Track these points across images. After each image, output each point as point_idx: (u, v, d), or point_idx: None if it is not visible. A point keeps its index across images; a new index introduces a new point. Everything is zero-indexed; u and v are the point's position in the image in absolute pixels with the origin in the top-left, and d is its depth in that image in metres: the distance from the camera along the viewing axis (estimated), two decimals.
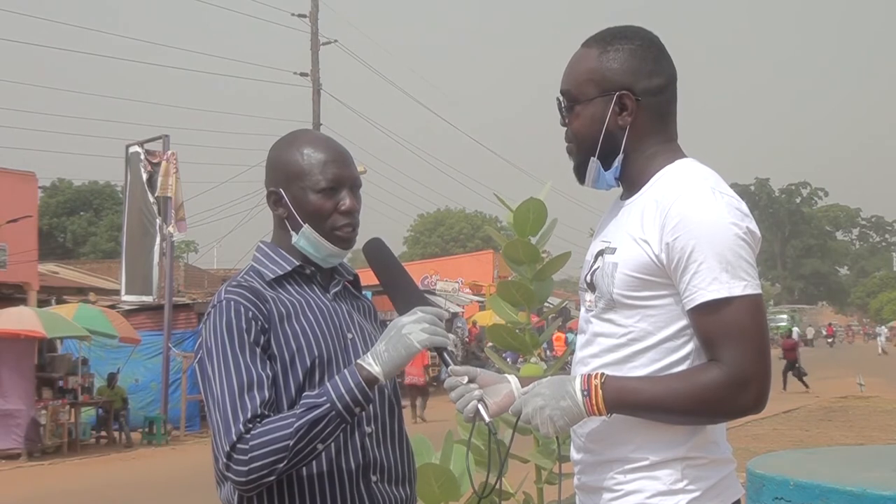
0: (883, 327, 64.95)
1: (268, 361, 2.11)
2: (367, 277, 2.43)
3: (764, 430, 15.17)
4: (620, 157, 2.11)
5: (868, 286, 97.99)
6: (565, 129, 2.17)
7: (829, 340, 67.75)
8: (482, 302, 32.56)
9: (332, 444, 2.12)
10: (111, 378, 17.64)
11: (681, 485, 2.00)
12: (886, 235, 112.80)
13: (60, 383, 16.76)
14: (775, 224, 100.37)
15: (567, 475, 2.36)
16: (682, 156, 2.12)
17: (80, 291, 26.22)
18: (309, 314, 2.21)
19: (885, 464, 3.85)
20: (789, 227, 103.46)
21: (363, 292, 2.46)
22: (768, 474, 3.68)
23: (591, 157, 2.12)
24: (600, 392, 1.98)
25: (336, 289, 2.32)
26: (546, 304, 4.25)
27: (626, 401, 1.98)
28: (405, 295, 2.18)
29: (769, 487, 3.64)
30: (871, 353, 50.79)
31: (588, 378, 2.01)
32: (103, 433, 17.76)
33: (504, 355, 10.35)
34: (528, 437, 3.20)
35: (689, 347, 2.00)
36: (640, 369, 2.02)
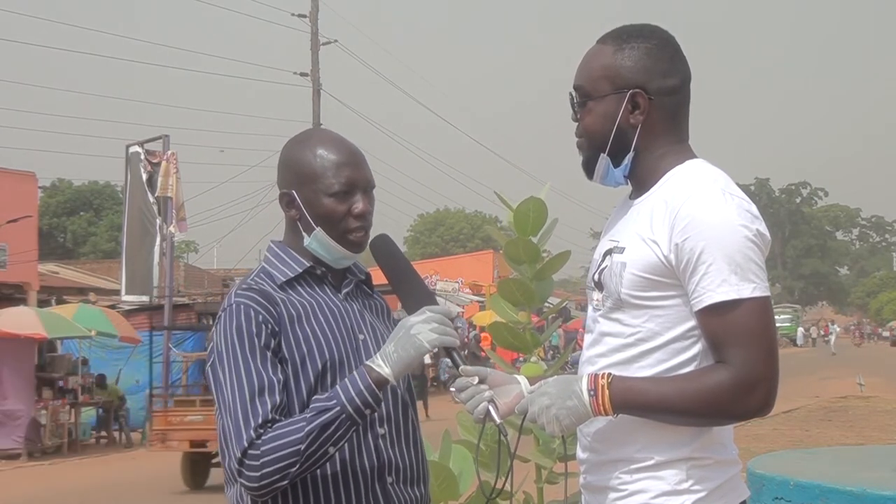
0: (835, 326, 64.25)
1: (279, 365, 2.10)
2: (376, 278, 2.42)
3: (764, 430, 15.11)
4: (631, 155, 2.11)
5: (868, 286, 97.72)
6: (576, 124, 2.16)
7: (826, 339, 68.64)
8: (482, 302, 32.53)
9: (346, 447, 2.11)
10: (100, 379, 17.59)
11: (686, 485, 2.00)
12: (886, 235, 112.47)
13: (60, 383, 16.78)
14: (775, 224, 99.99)
15: (572, 474, 2.37)
16: (693, 156, 2.12)
17: (81, 291, 26.24)
18: (320, 316, 2.19)
19: (885, 464, 3.87)
20: (789, 227, 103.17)
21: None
22: (768, 474, 3.70)
23: (601, 154, 2.12)
24: (607, 392, 1.98)
25: (347, 288, 2.30)
26: (546, 303, 4.26)
27: (632, 401, 1.98)
28: (413, 293, 2.17)
29: (769, 487, 3.66)
30: (855, 351, 50.53)
31: (595, 378, 2.01)
32: (103, 433, 17.78)
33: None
34: (529, 436, 3.20)
35: (697, 349, 2.01)
36: (646, 369, 2.02)
